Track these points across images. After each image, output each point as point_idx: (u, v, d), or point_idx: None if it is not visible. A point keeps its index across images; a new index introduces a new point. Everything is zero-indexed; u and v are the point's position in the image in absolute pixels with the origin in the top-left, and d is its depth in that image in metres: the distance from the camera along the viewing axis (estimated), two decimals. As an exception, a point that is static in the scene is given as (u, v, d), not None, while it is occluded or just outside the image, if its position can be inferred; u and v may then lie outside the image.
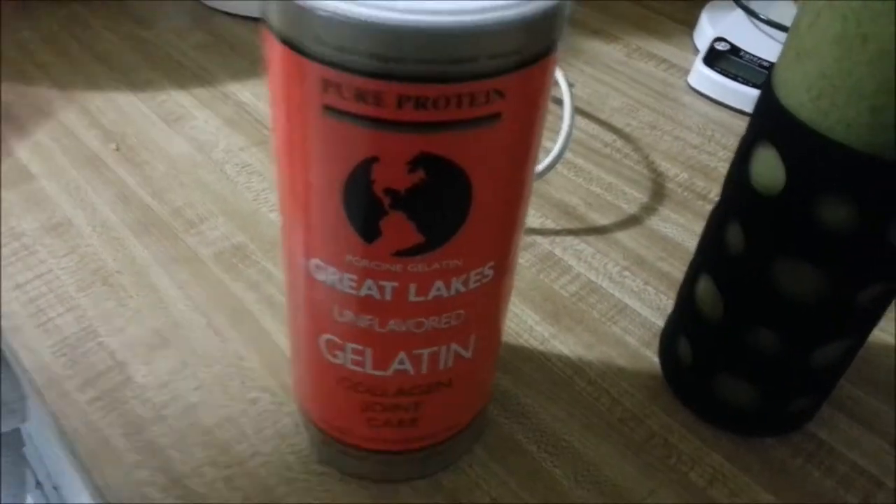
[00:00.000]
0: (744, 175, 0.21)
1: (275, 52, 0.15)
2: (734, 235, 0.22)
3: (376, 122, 0.15)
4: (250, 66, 0.44)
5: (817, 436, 0.27)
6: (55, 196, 0.34)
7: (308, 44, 0.14)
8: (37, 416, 0.59)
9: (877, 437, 0.27)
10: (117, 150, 0.37)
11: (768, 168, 0.20)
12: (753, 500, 0.25)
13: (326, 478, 0.24)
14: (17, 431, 0.71)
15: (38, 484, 0.89)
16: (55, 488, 0.90)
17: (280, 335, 0.29)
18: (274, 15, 0.14)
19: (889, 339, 0.30)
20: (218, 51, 0.45)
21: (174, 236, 0.33)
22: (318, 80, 0.14)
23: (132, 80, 0.42)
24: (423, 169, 0.15)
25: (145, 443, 0.25)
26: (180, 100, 0.41)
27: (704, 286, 0.24)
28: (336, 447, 0.24)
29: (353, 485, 0.24)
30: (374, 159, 0.15)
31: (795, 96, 0.19)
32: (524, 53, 0.14)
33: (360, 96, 0.14)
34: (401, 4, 0.13)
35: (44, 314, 0.29)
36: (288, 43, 0.14)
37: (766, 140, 0.20)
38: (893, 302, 0.23)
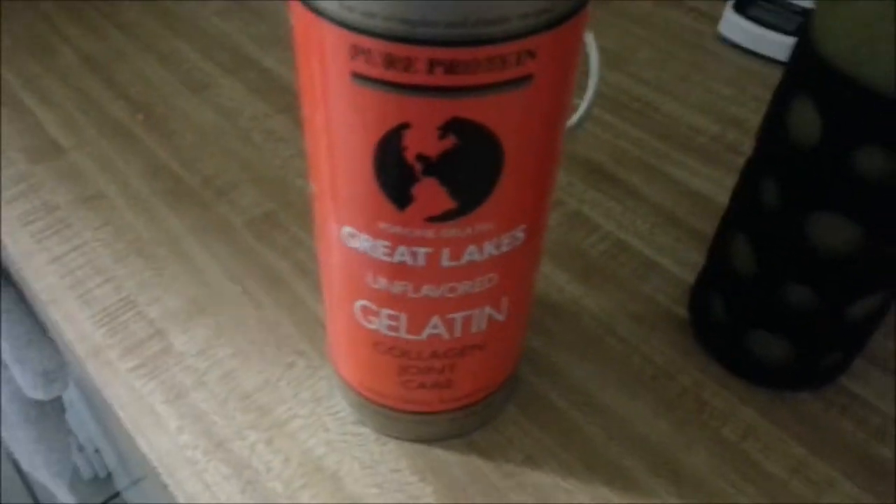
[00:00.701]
0: (778, 127, 0.21)
1: (300, 18, 0.15)
2: (769, 190, 0.22)
3: (407, 88, 0.14)
4: (273, 32, 0.43)
5: (850, 389, 0.26)
6: (87, 169, 0.35)
7: (334, 10, 0.14)
8: (76, 383, 0.61)
9: (913, 389, 0.27)
10: (144, 120, 0.37)
11: (804, 120, 0.20)
12: (786, 453, 0.25)
13: (363, 438, 0.25)
14: (58, 399, 0.74)
15: (81, 448, 0.92)
16: (97, 451, 0.93)
17: (313, 300, 0.29)
18: (300, -18, 0.14)
19: (926, 291, 0.30)
20: (239, 16, 0.45)
21: (205, 205, 0.33)
22: (346, 47, 0.14)
23: (156, 49, 0.42)
24: (454, 134, 0.15)
25: (188, 408, 0.26)
26: (205, 67, 0.41)
27: (738, 242, 0.24)
28: (372, 408, 0.24)
29: (391, 444, 0.25)
30: (406, 125, 0.15)
31: (833, 45, 0.18)
32: (555, 11, 0.14)
33: (390, 62, 0.14)
34: (428, -33, 0.13)
35: (82, 285, 0.30)
36: (313, 9, 0.14)
37: (802, 91, 0.20)
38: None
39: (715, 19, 0.44)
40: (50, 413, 0.72)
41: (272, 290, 0.29)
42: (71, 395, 0.76)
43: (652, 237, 0.32)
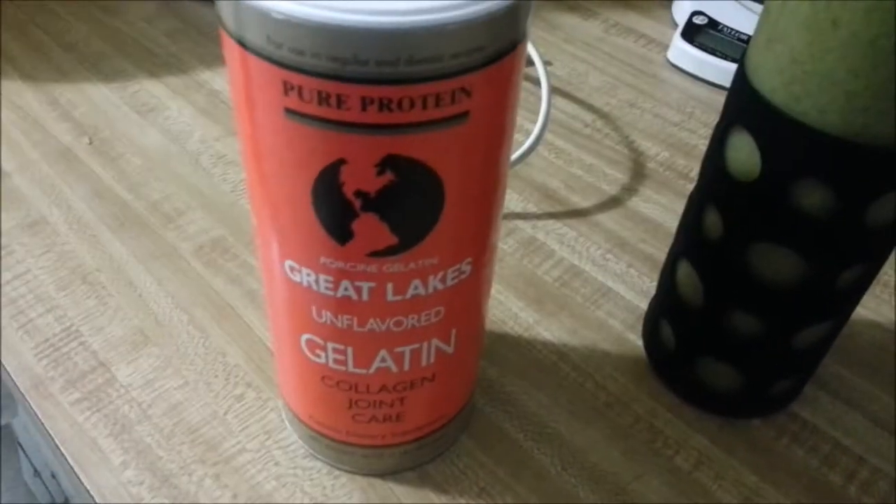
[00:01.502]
0: (720, 160, 0.21)
1: (232, 53, 0.15)
2: (712, 221, 0.22)
3: (340, 125, 0.14)
4: (222, 53, 0.43)
5: (801, 416, 0.27)
6: (29, 193, 0.34)
7: (263, 45, 0.14)
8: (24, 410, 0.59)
9: (859, 415, 0.27)
10: (90, 143, 0.36)
11: (744, 153, 0.20)
12: (738, 481, 0.25)
13: (315, 472, 0.24)
14: (10, 425, 0.72)
15: (36, 472, 0.89)
16: (53, 476, 0.90)
17: (263, 329, 0.29)
18: (228, 16, 0.14)
19: (871, 316, 0.30)
20: (189, 37, 0.44)
21: (152, 231, 0.32)
22: (278, 83, 0.14)
23: (103, 70, 0.41)
24: (392, 170, 0.15)
25: (132, 443, 0.25)
26: (153, 89, 0.40)
27: (684, 271, 0.24)
28: (323, 442, 0.24)
29: (343, 478, 0.24)
30: (342, 162, 0.15)
31: (768, 81, 0.19)
32: (489, 50, 0.14)
33: (322, 99, 0.14)
34: (359, 5, 0.13)
35: (24, 315, 0.29)
36: (244, 44, 0.14)
37: (741, 125, 0.20)
38: (874, 279, 0.23)
39: (664, 46, 0.45)
40: (2, 439, 0.69)
41: (221, 319, 0.29)
42: (24, 420, 0.73)
43: (605, 263, 0.32)
